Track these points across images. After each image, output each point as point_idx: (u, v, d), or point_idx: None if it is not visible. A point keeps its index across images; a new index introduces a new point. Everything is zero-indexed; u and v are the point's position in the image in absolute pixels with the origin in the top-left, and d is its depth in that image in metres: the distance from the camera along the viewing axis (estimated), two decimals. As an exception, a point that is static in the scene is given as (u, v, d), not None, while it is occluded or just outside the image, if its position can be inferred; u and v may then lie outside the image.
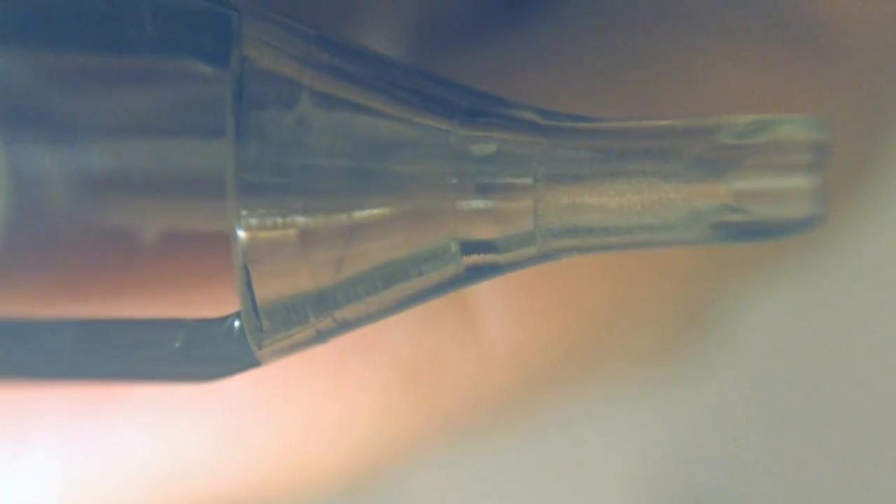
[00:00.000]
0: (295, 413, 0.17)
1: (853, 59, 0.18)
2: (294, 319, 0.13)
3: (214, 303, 0.15)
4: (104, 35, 0.13)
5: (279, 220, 0.13)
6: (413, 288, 0.14)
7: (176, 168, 0.16)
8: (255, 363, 0.14)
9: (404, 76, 0.13)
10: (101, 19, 0.13)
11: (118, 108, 0.16)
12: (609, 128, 0.13)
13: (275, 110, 0.12)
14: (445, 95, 0.13)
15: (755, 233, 0.12)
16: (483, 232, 0.13)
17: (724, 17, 0.17)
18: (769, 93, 0.17)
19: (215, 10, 0.13)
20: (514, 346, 0.17)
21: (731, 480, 0.32)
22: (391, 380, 0.17)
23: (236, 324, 0.14)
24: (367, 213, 0.13)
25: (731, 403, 0.32)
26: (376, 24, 0.19)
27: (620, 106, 0.17)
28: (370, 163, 0.13)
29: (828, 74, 0.17)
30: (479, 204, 0.13)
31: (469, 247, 0.13)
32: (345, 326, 0.14)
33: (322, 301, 0.13)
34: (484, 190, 0.13)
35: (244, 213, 0.12)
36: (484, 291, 0.17)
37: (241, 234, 0.12)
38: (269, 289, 0.13)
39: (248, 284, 0.13)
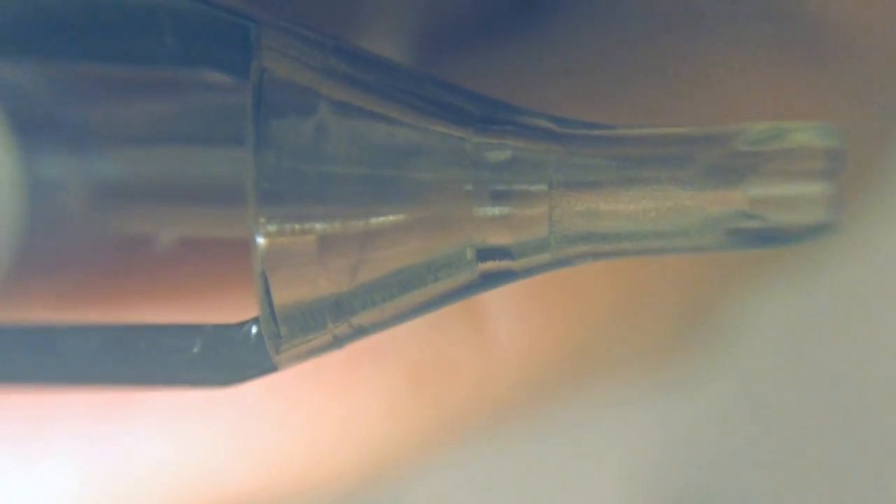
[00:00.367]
0: (304, 415, 0.17)
1: (867, 67, 0.18)
2: (311, 325, 0.13)
3: (231, 309, 0.15)
4: (125, 47, 0.13)
5: (298, 228, 0.13)
6: (428, 294, 0.14)
7: (192, 176, 0.16)
8: (272, 368, 0.14)
9: (419, 84, 0.13)
10: (123, 31, 0.13)
11: (135, 117, 0.16)
12: (624, 135, 0.13)
13: (294, 119, 0.13)
14: (460, 103, 0.13)
15: (770, 239, 0.12)
16: (498, 238, 0.13)
17: (737, 24, 0.18)
18: (783, 100, 0.17)
19: (234, 22, 0.13)
20: (520, 349, 0.18)
21: (732, 482, 0.32)
22: (399, 382, 0.17)
23: (254, 329, 0.14)
24: (383, 219, 0.13)
25: (731, 405, 0.32)
26: (382, 29, 0.19)
27: (630, 113, 0.17)
28: (387, 170, 0.13)
29: (841, 82, 0.17)
30: (494, 210, 0.13)
31: (484, 253, 0.13)
32: (361, 332, 0.14)
33: (339, 307, 0.13)
34: (499, 197, 0.13)
35: (263, 220, 0.13)
36: (491, 295, 0.17)
37: (261, 240, 0.13)
38: (287, 295, 0.13)
39: (267, 291, 0.13)
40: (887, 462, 0.32)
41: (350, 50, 0.13)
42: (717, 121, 0.16)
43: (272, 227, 0.13)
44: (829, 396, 0.32)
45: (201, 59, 0.13)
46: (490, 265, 0.13)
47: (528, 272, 0.14)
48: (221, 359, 0.14)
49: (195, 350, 0.14)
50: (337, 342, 0.14)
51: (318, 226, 0.13)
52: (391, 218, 0.13)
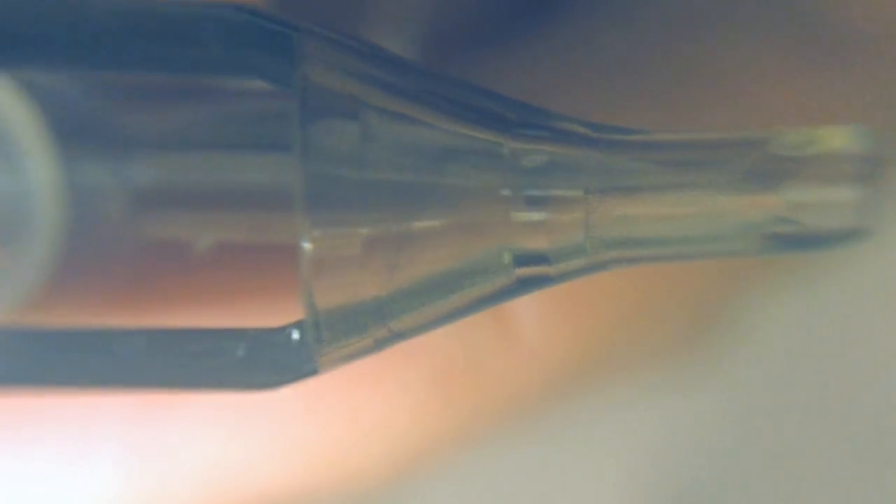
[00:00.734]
0: (335, 414, 0.17)
1: (893, 68, 0.18)
2: (353, 329, 0.14)
3: (268, 313, 0.15)
4: (170, 56, 0.14)
5: (342, 233, 0.13)
6: (465, 299, 0.14)
7: (231, 181, 0.16)
8: (312, 372, 0.14)
9: (455, 90, 0.14)
10: (168, 41, 0.14)
11: (175, 123, 0.16)
12: (660, 140, 0.13)
13: (338, 126, 0.13)
14: (496, 108, 0.14)
15: (806, 244, 0.12)
16: (535, 243, 0.14)
17: (764, 25, 0.18)
18: (807, 102, 0.17)
19: (277, 31, 0.13)
20: (544, 351, 0.18)
21: (732, 483, 0.32)
22: (427, 383, 0.17)
23: (296, 333, 0.14)
24: (423, 224, 0.13)
25: (732, 406, 0.32)
26: (392, 29, 0.19)
27: (649, 114, 0.17)
28: (426, 176, 0.13)
29: (866, 84, 0.18)
30: (531, 216, 0.13)
31: (521, 258, 0.14)
32: (399, 336, 0.14)
33: (380, 311, 0.14)
34: (536, 202, 0.13)
35: (309, 225, 0.13)
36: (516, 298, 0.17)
37: (306, 245, 0.13)
38: (330, 299, 0.13)
39: (311, 295, 0.13)
40: (888, 462, 0.31)
41: (389, 56, 0.14)
42: (740, 123, 0.16)
43: (318, 233, 0.13)
44: (830, 397, 0.31)
45: (244, 68, 0.14)
46: (526, 270, 0.14)
47: (564, 277, 0.14)
48: (264, 362, 0.14)
49: (239, 353, 0.14)
50: (376, 346, 0.14)
51: (362, 231, 0.13)
52: (430, 223, 0.13)
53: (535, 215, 0.13)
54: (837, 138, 0.12)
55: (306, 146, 0.13)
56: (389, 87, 0.13)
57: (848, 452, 0.32)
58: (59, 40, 0.14)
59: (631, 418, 0.31)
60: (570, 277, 0.14)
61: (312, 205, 0.13)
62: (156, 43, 0.14)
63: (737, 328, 0.23)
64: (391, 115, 0.13)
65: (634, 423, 0.31)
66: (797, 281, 0.24)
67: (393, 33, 0.19)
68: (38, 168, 0.15)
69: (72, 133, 0.16)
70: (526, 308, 0.18)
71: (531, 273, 0.14)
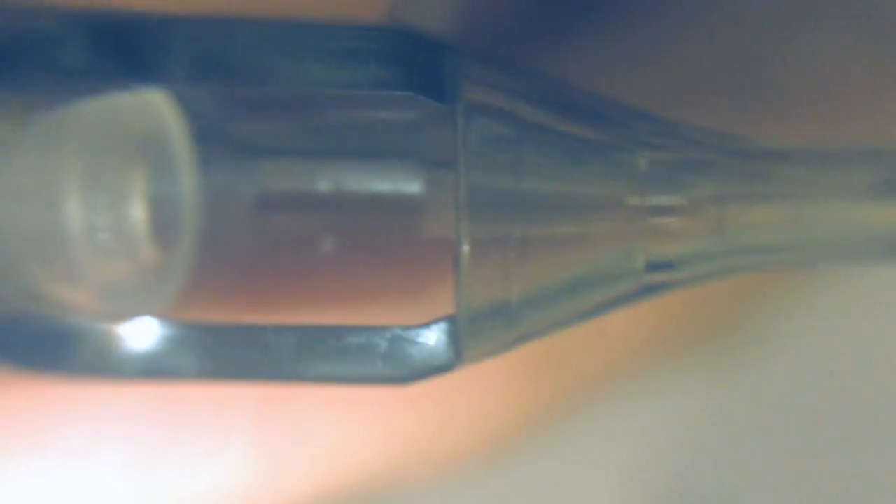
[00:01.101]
0: (435, 401, 0.18)
1: None
2: (494, 328, 0.15)
3: (390, 313, 0.16)
4: (327, 74, 0.15)
5: (496, 238, 0.14)
6: (593, 302, 0.15)
7: (355, 187, 0.17)
8: (451, 367, 0.15)
9: (590, 102, 0.15)
10: (326, 60, 0.15)
11: (302, 130, 0.17)
12: (791, 149, 0.14)
13: (495, 139, 0.14)
14: (628, 120, 0.15)
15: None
16: (666, 249, 0.14)
17: (844, 18, 0.18)
18: (880, 102, 0.18)
19: (433, 49, 0.14)
20: (628, 340, 0.19)
21: (732, 483, 0.32)
22: (520, 372, 0.18)
23: (439, 330, 0.15)
24: (564, 230, 0.14)
25: (732, 406, 0.32)
26: (451, 20, 0.19)
27: (717, 111, 0.18)
28: (571, 184, 0.14)
29: None
30: (663, 222, 0.14)
31: (651, 265, 0.15)
32: (532, 335, 0.15)
33: (516, 312, 0.15)
34: (669, 209, 0.14)
35: (468, 230, 0.14)
36: None
37: (464, 248, 0.14)
38: (478, 298, 0.14)
39: (461, 295, 0.14)
40: (888, 463, 0.32)
41: (534, 71, 0.15)
42: (811, 121, 0.17)
43: (474, 237, 0.14)
44: (831, 397, 0.31)
45: (400, 84, 0.15)
46: (655, 276, 0.15)
47: (689, 283, 0.15)
48: (407, 357, 0.15)
49: (382, 349, 0.15)
50: (509, 345, 0.15)
51: (513, 236, 0.14)
52: (571, 229, 0.14)
53: (668, 222, 0.14)
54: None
55: (467, 157, 0.14)
56: (538, 101, 0.14)
57: (848, 453, 0.32)
58: (213, 58, 0.15)
59: (631, 418, 0.31)
60: (694, 283, 0.15)
61: (471, 212, 0.14)
62: (314, 62, 0.15)
63: (748, 333, 0.23)
64: (541, 128, 0.14)
65: (634, 422, 0.32)
66: (800, 286, 0.24)
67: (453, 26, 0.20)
68: (187, 174, 0.16)
69: (208, 139, 0.17)
70: None
71: (658, 280, 0.15)
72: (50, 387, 0.16)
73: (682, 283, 0.15)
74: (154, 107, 0.15)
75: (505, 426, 0.19)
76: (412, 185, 0.17)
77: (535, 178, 0.14)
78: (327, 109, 0.17)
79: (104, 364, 0.15)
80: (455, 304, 0.14)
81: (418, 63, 0.14)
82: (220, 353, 0.15)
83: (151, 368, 0.15)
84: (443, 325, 0.15)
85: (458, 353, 0.15)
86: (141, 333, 0.15)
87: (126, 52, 0.14)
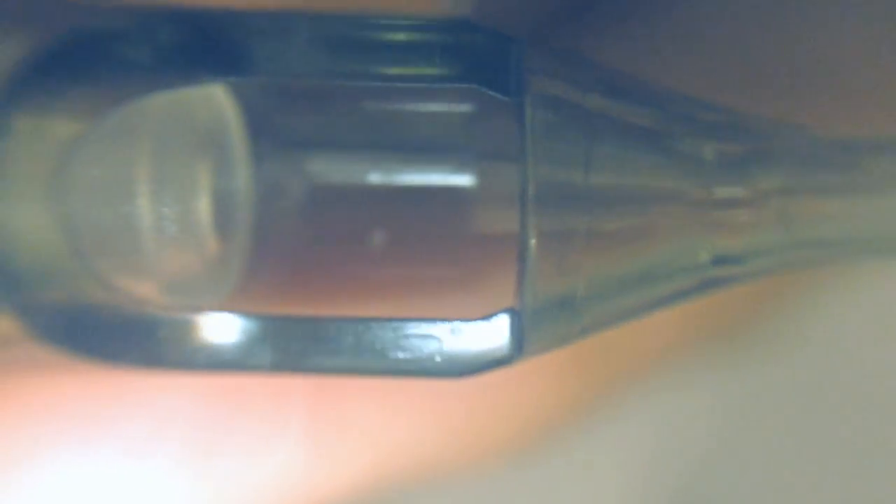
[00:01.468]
0: (483, 397, 0.18)
1: None
2: (558, 321, 0.15)
3: (441, 305, 0.17)
4: (391, 67, 0.15)
5: (562, 231, 0.14)
6: (657, 296, 0.15)
7: (412, 180, 0.17)
8: (512, 361, 0.15)
9: (653, 92, 0.15)
10: (388, 53, 0.15)
11: (354, 123, 0.17)
12: (860, 141, 0.14)
13: (563, 132, 0.14)
14: (692, 110, 0.15)
15: None
16: (730, 243, 0.14)
17: (871, 14, 0.18)
18: None
19: (498, 42, 0.14)
20: (662, 334, 0.19)
21: (732, 484, 0.32)
22: (566, 364, 0.18)
23: (499, 323, 0.15)
24: (631, 224, 0.14)
25: (732, 406, 0.32)
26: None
27: (754, 96, 0.17)
28: (637, 178, 0.14)
29: None
30: (726, 216, 0.14)
31: (716, 258, 0.15)
32: (593, 329, 0.15)
33: (579, 306, 0.15)
34: (732, 203, 0.14)
35: (534, 224, 0.14)
36: None
37: (531, 241, 0.14)
38: (542, 292, 0.14)
39: (524, 287, 0.14)
40: (888, 463, 0.32)
41: (593, 62, 0.15)
42: (846, 110, 0.17)
43: (540, 230, 0.14)
44: (831, 397, 0.32)
45: (465, 78, 0.15)
46: (720, 270, 0.15)
47: (753, 276, 0.15)
48: (464, 351, 0.15)
49: (440, 342, 0.15)
50: (573, 338, 0.15)
51: (580, 230, 0.14)
52: (638, 222, 0.14)
53: (734, 214, 0.14)
54: None
55: (535, 150, 0.14)
56: (603, 92, 0.14)
57: (849, 453, 0.32)
58: (269, 52, 0.15)
59: (631, 418, 0.31)
60: (756, 277, 0.15)
61: (539, 205, 0.14)
62: (376, 56, 0.15)
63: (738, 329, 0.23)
64: (608, 120, 0.14)
65: (634, 422, 0.32)
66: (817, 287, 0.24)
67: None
68: (243, 168, 0.16)
69: (261, 134, 0.17)
70: None
71: (723, 273, 0.15)
72: (115, 376, 0.16)
73: (746, 277, 0.15)
74: (216, 101, 0.16)
75: (550, 420, 0.19)
76: (466, 178, 0.17)
77: (602, 171, 0.14)
78: (380, 102, 0.17)
79: (168, 355, 0.15)
80: (518, 297, 0.14)
81: (482, 55, 0.14)
82: (280, 345, 0.15)
83: (213, 360, 0.15)
84: (504, 319, 0.15)
85: (519, 347, 0.15)
86: (203, 326, 0.15)
87: (189, 47, 0.14)
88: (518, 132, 0.14)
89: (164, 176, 0.15)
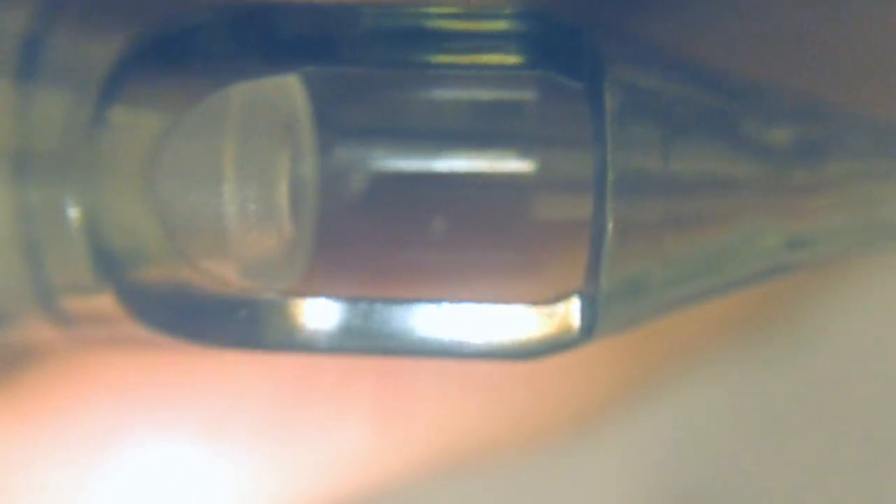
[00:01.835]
0: (544, 380, 0.19)
1: None
2: (631, 305, 0.15)
3: (504, 291, 0.17)
4: (462, 54, 0.15)
5: (639, 216, 0.14)
6: (729, 280, 0.15)
7: (474, 167, 0.17)
8: (580, 344, 0.15)
9: (727, 78, 0.15)
10: (462, 43, 0.15)
11: (419, 112, 0.17)
12: None
13: (640, 118, 0.14)
14: (765, 95, 0.15)
15: None
16: (802, 227, 0.15)
17: None
18: None
19: (571, 29, 0.15)
20: (695, 329, 0.19)
21: (732, 484, 0.33)
22: (621, 351, 0.19)
23: (567, 307, 0.15)
24: (705, 208, 0.15)
25: (732, 406, 0.32)
26: None
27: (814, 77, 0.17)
28: (714, 164, 0.14)
29: None
30: (799, 200, 0.15)
31: (789, 243, 0.15)
32: (664, 312, 0.15)
33: (657, 289, 0.15)
34: (805, 188, 0.14)
35: (611, 209, 0.14)
36: None
37: (609, 226, 0.14)
38: (617, 277, 0.15)
39: (602, 272, 0.15)
40: (889, 463, 0.32)
41: (668, 48, 0.15)
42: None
43: (617, 216, 0.14)
44: (832, 397, 0.32)
45: (537, 64, 0.15)
46: (792, 254, 0.15)
47: (825, 260, 0.15)
48: (531, 334, 0.15)
49: (507, 325, 0.15)
50: (643, 321, 0.15)
51: (656, 215, 0.14)
52: (710, 207, 0.15)
53: (807, 199, 0.14)
54: None
55: (614, 136, 0.14)
56: (677, 78, 0.14)
57: (849, 454, 0.32)
58: (343, 43, 0.15)
59: (639, 420, 0.31)
60: (824, 261, 0.15)
61: (618, 191, 0.14)
62: (446, 44, 0.15)
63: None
64: (684, 105, 0.14)
65: (642, 424, 0.32)
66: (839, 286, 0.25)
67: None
68: (311, 155, 0.17)
69: (326, 122, 0.17)
70: None
71: (796, 257, 0.15)
72: (192, 356, 0.16)
73: (817, 261, 0.15)
74: (291, 90, 0.16)
75: (606, 404, 0.20)
76: (529, 165, 0.17)
77: (680, 157, 0.14)
78: (444, 89, 0.17)
79: (245, 335, 0.15)
80: (589, 281, 0.15)
81: (555, 42, 0.15)
82: (349, 327, 0.16)
83: (285, 341, 0.16)
84: (573, 302, 0.15)
85: (589, 330, 0.15)
86: (277, 308, 0.15)
87: (267, 39, 0.15)
88: (593, 118, 0.14)
89: (247, 163, 0.15)
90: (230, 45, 0.14)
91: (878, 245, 0.15)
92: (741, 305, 0.20)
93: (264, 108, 0.15)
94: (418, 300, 0.16)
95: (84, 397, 0.17)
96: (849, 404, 0.32)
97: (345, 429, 0.17)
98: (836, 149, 0.14)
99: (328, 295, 0.16)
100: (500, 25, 0.15)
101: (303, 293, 0.16)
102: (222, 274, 0.15)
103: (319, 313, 0.16)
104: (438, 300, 0.16)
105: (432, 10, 0.15)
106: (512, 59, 0.15)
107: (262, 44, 0.15)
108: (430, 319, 0.16)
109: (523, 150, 0.17)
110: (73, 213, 0.14)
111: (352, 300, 0.16)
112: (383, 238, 0.17)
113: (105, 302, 0.14)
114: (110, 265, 0.14)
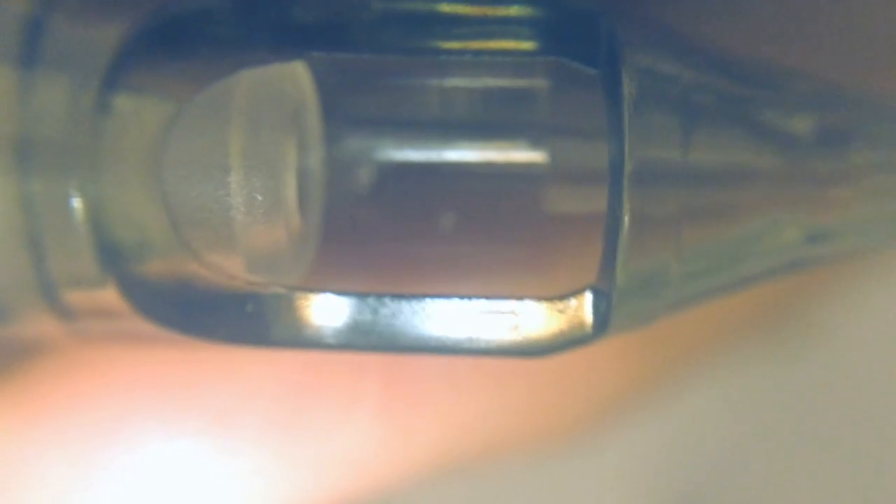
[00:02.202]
0: (549, 377, 0.18)
1: None
2: (647, 300, 0.15)
3: (515, 284, 0.16)
4: (478, 41, 0.15)
5: (656, 209, 0.14)
6: (748, 274, 0.15)
7: (479, 158, 0.17)
8: (594, 339, 0.15)
9: (747, 65, 0.14)
10: (477, 30, 0.15)
11: (423, 101, 0.17)
12: None
13: (660, 107, 0.14)
14: (786, 84, 0.14)
15: None
16: (823, 220, 0.14)
17: None
18: None
19: (588, 16, 0.14)
20: (698, 330, 0.19)
21: (732, 484, 0.32)
22: (630, 349, 0.18)
23: (581, 302, 0.15)
24: (724, 201, 0.14)
25: (732, 407, 0.32)
26: None
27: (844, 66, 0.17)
28: (734, 155, 0.14)
29: None
30: (820, 192, 0.14)
31: (810, 236, 0.14)
32: (681, 307, 0.15)
33: (674, 283, 0.15)
34: (826, 179, 0.14)
35: (627, 201, 0.14)
36: None
37: (625, 219, 0.14)
38: (634, 271, 0.14)
39: (618, 266, 0.14)
40: (889, 463, 0.32)
41: (687, 35, 0.14)
42: None
43: (634, 209, 0.14)
44: (832, 398, 0.32)
45: (553, 50, 0.14)
46: (813, 248, 0.15)
47: (846, 254, 0.15)
48: (543, 329, 0.15)
49: (518, 320, 0.15)
50: (659, 316, 0.15)
51: (674, 208, 0.14)
52: (730, 200, 0.14)
53: (828, 191, 0.14)
54: None
55: (632, 126, 0.14)
56: (697, 66, 0.14)
57: (850, 454, 0.32)
58: (352, 28, 0.15)
59: (640, 422, 0.31)
60: (849, 255, 0.15)
61: (635, 182, 0.14)
62: (457, 30, 0.15)
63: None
64: (705, 95, 0.14)
65: (635, 423, 0.32)
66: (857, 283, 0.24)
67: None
68: (318, 146, 0.16)
69: (333, 112, 0.17)
70: None
71: (816, 251, 0.15)
72: (197, 352, 0.16)
73: (838, 256, 0.15)
74: (299, 77, 0.16)
75: (615, 402, 0.19)
76: (540, 155, 0.16)
77: (700, 148, 0.14)
78: (454, 77, 0.17)
79: (252, 331, 0.15)
80: (604, 275, 0.14)
81: (570, 28, 0.14)
82: (356, 322, 0.15)
83: (292, 336, 0.15)
84: (587, 297, 0.15)
85: (603, 326, 0.15)
86: (283, 302, 0.15)
87: (272, 24, 0.14)
88: (609, 107, 0.14)
89: (254, 153, 0.15)
90: (236, 31, 0.14)
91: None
92: (743, 306, 0.19)
93: (271, 96, 0.15)
94: (427, 295, 0.15)
95: (88, 393, 0.17)
96: (849, 405, 0.32)
97: (351, 426, 0.17)
98: (860, 138, 0.14)
99: (335, 289, 0.16)
100: (513, 10, 0.15)
101: (310, 288, 0.15)
102: (228, 267, 0.14)
103: (327, 309, 0.15)
104: (448, 295, 0.15)
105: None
106: (525, 45, 0.15)
107: (269, 29, 0.14)
108: (439, 315, 0.15)
109: (535, 139, 0.17)
110: (77, 203, 0.13)
111: (360, 295, 0.15)
112: (392, 231, 0.17)
113: (109, 296, 0.13)
114: (114, 258, 0.13)
